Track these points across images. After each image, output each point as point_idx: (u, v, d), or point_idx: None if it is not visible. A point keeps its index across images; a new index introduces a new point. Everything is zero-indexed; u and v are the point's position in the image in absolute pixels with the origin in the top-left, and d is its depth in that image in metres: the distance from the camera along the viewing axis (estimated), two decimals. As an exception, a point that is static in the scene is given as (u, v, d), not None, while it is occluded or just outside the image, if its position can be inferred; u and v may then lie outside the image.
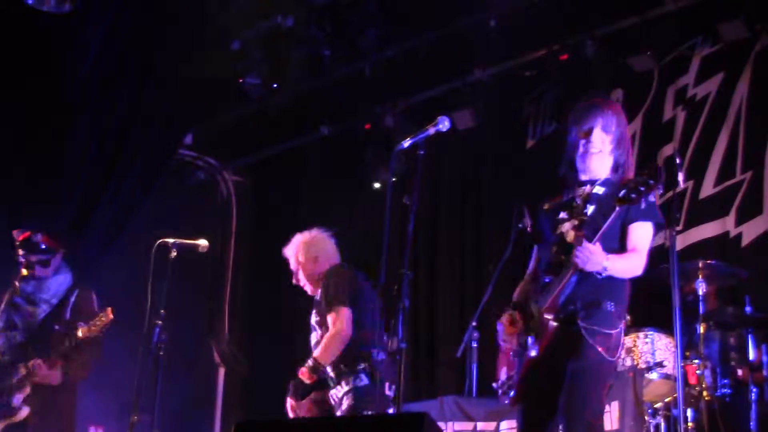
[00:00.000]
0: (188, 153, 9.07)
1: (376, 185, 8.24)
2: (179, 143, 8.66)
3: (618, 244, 3.94)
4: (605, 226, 3.79)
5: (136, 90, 7.63)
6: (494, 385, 4.10)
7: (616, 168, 4.07)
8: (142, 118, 7.73)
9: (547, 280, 3.96)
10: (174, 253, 4.91)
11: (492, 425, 6.00)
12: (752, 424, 5.31)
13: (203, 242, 5.07)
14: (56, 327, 5.21)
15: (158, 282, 4.79)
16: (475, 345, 6.78)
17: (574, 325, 3.81)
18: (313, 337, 5.22)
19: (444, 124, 4.32)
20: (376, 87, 8.06)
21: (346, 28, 7.57)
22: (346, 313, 4.97)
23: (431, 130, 4.30)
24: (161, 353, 4.68)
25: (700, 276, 5.60)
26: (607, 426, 5.37)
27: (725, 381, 5.49)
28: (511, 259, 6.85)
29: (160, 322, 4.71)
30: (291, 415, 4.97)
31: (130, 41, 7.34)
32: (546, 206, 4.21)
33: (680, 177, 5.49)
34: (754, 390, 5.37)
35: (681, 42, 7.18)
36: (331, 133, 8.59)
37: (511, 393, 3.95)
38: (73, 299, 5.30)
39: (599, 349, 3.76)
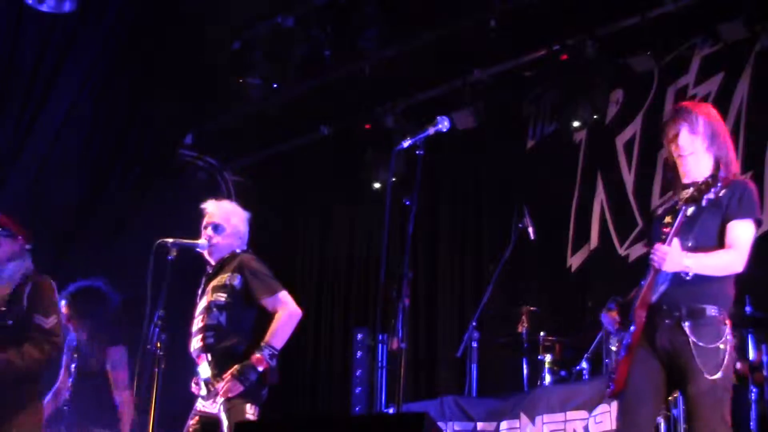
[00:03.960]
0: (188, 153, 9.07)
1: (376, 185, 8.24)
2: (179, 143, 8.66)
3: (716, 242, 3.94)
4: (675, 225, 3.83)
5: (136, 90, 7.63)
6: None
7: (717, 164, 4.05)
8: (142, 118, 7.73)
9: (642, 284, 3.98)
10: (174, 253, 4.89)
11: (492, 425, 6.01)
12: (752, 424, 5.31)
13: (203, 242, 5.06)
14: (9, 322, 5.12)
15: (158, 282, 4.77)
16: (475, 345, 6.79)
17: (683, 334, 3.84)
18: None
19: (444, 124, 4.32)
20: (376, 87, 8.06)
21: (346, 28, 7.57)
22: None
23: (431, 130, 4.30)
24: (161, 353, 4.67)
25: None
26: (606, 426, 5.38)
27: (725, 381, 5.48)
28: (511, 259, 6.85)
29: (160, 322, 4.70)
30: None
31: (130, 41, 7.33)
32: (657, 211, 4.21)
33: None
34: (754, 390, 5.37)
35: (681, 42, 7.18)
36: (331, 133, 8.60)
37: (611, 386, 3.97)
38: (28, 290, 5.17)
39: (708, 376, 3.79)
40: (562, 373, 6.42)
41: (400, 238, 7.42)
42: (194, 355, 4.87)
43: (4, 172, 7.16)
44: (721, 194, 3.85)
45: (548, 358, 6.48)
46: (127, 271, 6.90)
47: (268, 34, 7.78)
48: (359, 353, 7.96)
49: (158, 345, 4.66)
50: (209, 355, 4.78)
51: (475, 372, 6.80)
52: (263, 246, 5.49)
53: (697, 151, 4.06)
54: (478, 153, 8.31)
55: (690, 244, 3.89)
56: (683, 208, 3.86)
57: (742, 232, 3.93)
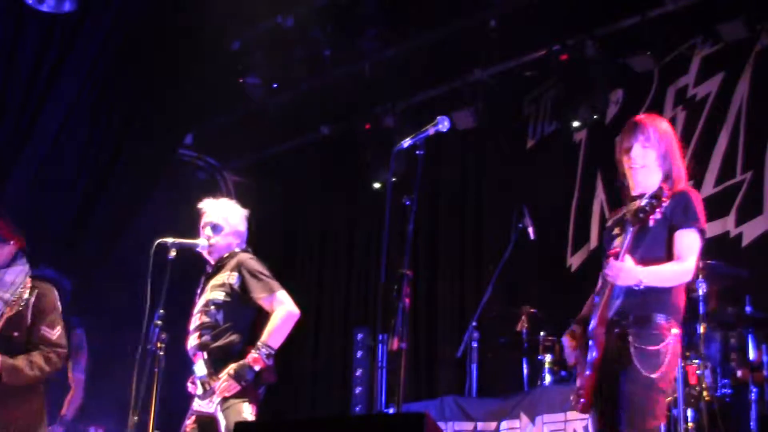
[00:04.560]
0: (188, 153, 9.07)
1: (376, 185, 8.25)
2: (179, 143, 8.65)
3: (664, 253, 3.99)
4: (626, 243, 3.88)
5: (136, 90, 7.62)
6: (571, 396, 4.17)
7: (666, 180, 4.11)
8: (143, 118, 7.72)
9: (596, 300, 4.04)
10: (173, 253, 4.88)
11: (492, 425, 6.01)
12: (752, 424, 5.31)
13: (203, 242, 5.06)
14: (15, 333, 5.10)
15: (158, 282, 4.77)
16: (475, 345, 6.79)
17: (626, 341, 3.90)
18: None
19: (444, 124, 4.31)
20: (376, 87, 8.07)
21: (346, 28, 7.57)
22: None
23: (431, 130, 4.30)
24: (161, 353, 4.66)
25: (700, 276, 5.60)
26: (606, 426, 5.37)
27: (725, 381, 5.50)
28: (511, 259, 6.85)
29: (159, 322, 4.70)
30: None
31: (130, 41, 7.33)
32: (608, 223, 4.25)
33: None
34: (754, 390, 5.37)
35: (681, 42, 7.18)
36: (331, 133, 8.60)
37: (581, 401, 4.02)
38: (33, 300, 5.15)
39: (645, 372, 3.85)
40: (562, 373, 6.42)
41: (400, 238, 7.41)
42: (191, 353, 4.87)
43: (3, 172, 7.16)
44: (665, 206, 3.89)
45: (548, 358, 6.48)
46: (127, 271, 6.92)
47: (268, 34, 7.79)
48: (359, 353, 7.97)
49: (158, 345, 4.66)
50: (205, 354, 4.77)
51: (475, 372, 6.79)
52: (263, 246, 5.49)
53: (648, 165, 4.11)
54: (478, 153, 8.31)
55: (639, 256, 3.93)
56: (630, 228, 3.90)
57: (689, 242, 3.98)
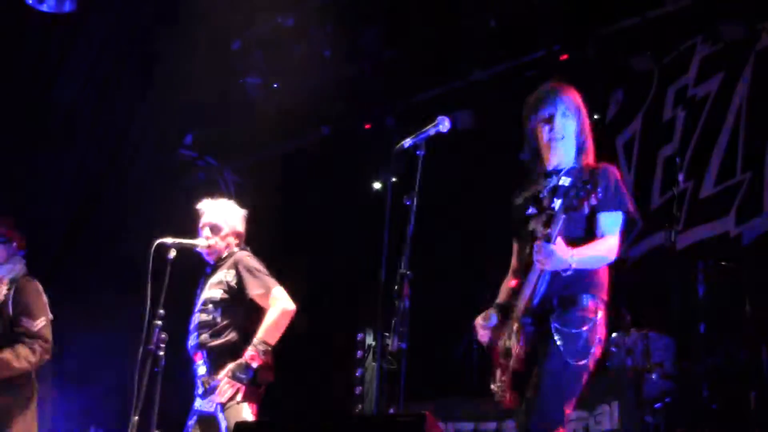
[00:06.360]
0: (188, 153, 9.07)
1: (376, 185, 8.24)
2: (179, 143, 8.66)
3: (584, 233, 3.85)
4: (556, 229, 3.67)
5: (136, 90, 7.63)
6: (492, 386, 4.00)
7: (579, 153, 4.00)
8: (142, 118, 7.73)
9: (514, 284, 3.89)
10: (173, 253, 4.89)
11: (492, 425, 6.01)
12: (752, 424, 5.32)
13: (202, 242, 5.06)
14: None
15: (157, 282, 4.77)
16: (475, 345, 6.78)
17: (548, 327, 3.72)
18: None
19: (444, 124, 4.33)
20: (376, 87, 8.06)
21: (346, 28, 7.57)
22: None
23: (431, 130, 4.31)
24: (161, 353, 4.67)
25: (700, 276, 5.60)
26: (606, 426, 5.38)
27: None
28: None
29: (159, 322, 4.70)
30: None
31: (130, 41, 7.34)
32: (517, 201, 4.15)
33: (680, 177, 5.52)
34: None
35: (681, 42, 7.18)
36: (331, 133, 8.59)
37: (506, 396, 3.88)
38: (12, 293, 5.16)
39: (570, 360, 3.66)
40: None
41: (400, 238, 7.41)
42: (191, 352, 4.89)
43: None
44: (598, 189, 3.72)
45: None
46: (126, 271, 6.92)
47: (268, 34, 7.79)
48: (359, 353, 7.96)
49: (158, 345, 4.66)
50: (205, 352, 4.79)
51: (475, 372, 6.79)
52: (263, 246, 5.49)
53: (568, 136, 4.01)
54: (478, 153, 8.30)
55: (560, 237, 3.72)
56: (562, 215, 3.66)
57: (613, 220, 3.83)
